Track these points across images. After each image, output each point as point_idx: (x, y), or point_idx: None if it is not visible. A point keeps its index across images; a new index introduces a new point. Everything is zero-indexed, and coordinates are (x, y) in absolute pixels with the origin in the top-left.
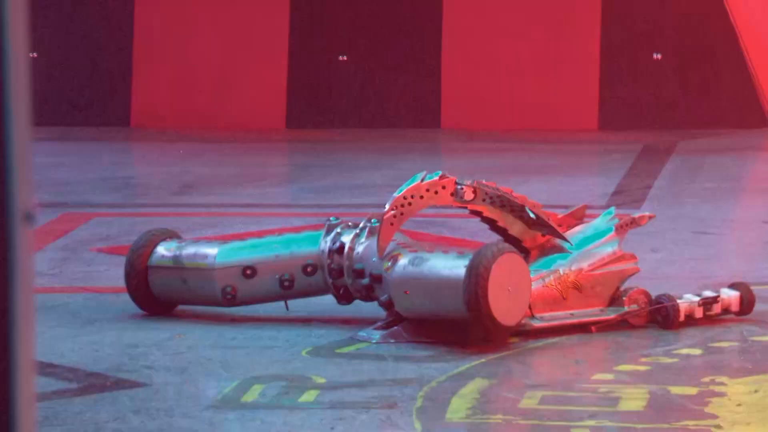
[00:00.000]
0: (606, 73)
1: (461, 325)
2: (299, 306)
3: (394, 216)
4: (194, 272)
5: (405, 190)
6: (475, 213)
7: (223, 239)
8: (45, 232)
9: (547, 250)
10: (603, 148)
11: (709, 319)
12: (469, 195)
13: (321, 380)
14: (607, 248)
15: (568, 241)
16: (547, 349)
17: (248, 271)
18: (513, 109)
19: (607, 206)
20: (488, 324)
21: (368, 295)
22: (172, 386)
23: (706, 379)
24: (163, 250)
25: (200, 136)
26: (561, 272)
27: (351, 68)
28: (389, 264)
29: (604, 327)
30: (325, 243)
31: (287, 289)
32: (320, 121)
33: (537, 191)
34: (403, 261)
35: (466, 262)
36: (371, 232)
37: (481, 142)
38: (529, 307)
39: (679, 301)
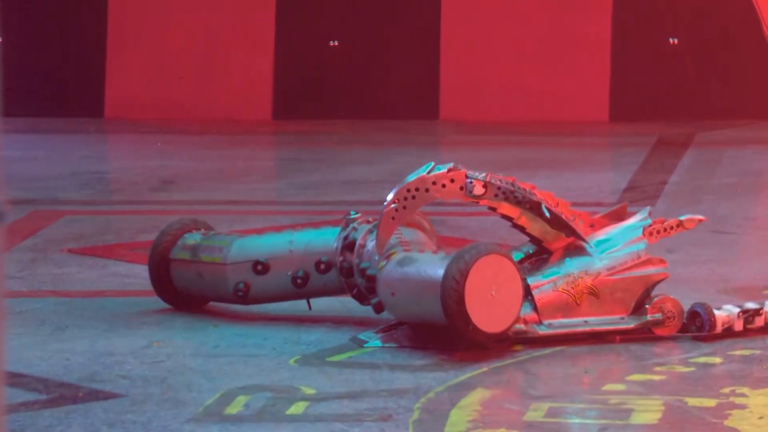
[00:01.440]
0: (617, 59)
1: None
2: (288, 308)
3: (396, 210)
4: (209, 267)
5: (409, 182)
6: (491, 209)
7: (244, 233)
8: (13, 231)
9: (571, 252)
10: (614, 140)
11: (750, 333)
12: (479, 190)
13: (310, 391)
14: (631, 251)
15: (587, 242)
16: (554, 357)
17: (259, 267)
18: (517, 99)
19: (619, 202)
20: (466, 331)
21: (367, 294)
22: (150, 397)
23: (726, 390)
24: (184, 242)
25: (180, 128)
26: (575, 276)
27: (342, 55)
28: (384, 264)
29: (628, 338)
30: (339, 239)
31: (300, 287)
32: (309, 111)
33: (543, 187)
34: (393, 261)
35: (443, 266)
36: None
37: (482, 135)
38: (537, 313)
39: (716, 311)
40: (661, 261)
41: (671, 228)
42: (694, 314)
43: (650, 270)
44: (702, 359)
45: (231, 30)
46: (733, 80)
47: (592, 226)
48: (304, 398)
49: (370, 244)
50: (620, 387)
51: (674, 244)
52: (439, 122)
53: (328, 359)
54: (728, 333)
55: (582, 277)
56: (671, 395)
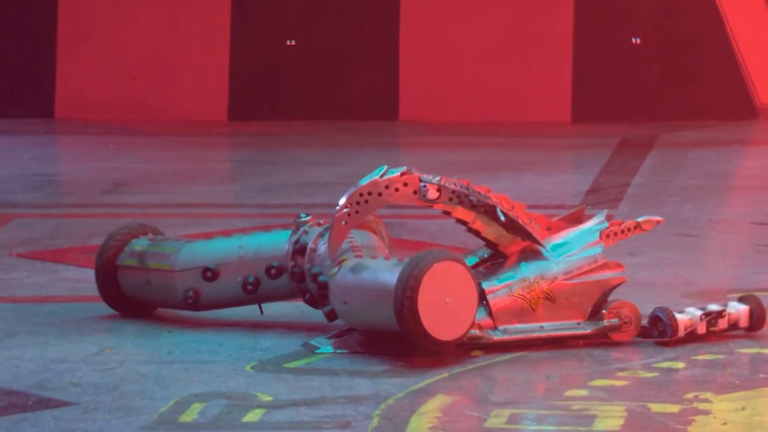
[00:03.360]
0: (579, 59)
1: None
2: (244, 313)
3: (348, 214)
4: (157, 274)
5: (361, 186)
6: (446, 213)
7: (193, 237)
8: None
9: (527, 256)
10: (577, 141)
11: (713, 336)
12: (432, 194)
13: (267, 398)
14: (588, 255)
15: (543, 246)
16: (515, 363)
17: (209, 274)
18: (478, 100)
19: (582, 204)
20: (421, 339)
21: (320, 300)
22: (102, 405)
23: (690, 396)
24: (132, 248)
25: (133, 129)
26: (531, 280)
27: (300, 54)
28: (335, 270)
29: (591, 343)
30: (290, 243)
31: (251, 292)
32: (266, 112)
33: (504, 190)
34: (344, 268)
35: (395, 273)
36: None
37: (443, 136)
38: (492, 318)
39: (678, 315)
40: (618, 265)
41: (629, 230)
42: (655, 319)
43: (607, 274)
44: (665, 364)
45: (186, 28)
46: (697, 81)
47: (548, 229)
48: (261, 405)
49: (322, 248)
50: (583, 393)
51: (637, 247)
52: (398, 123)
53: (285, 365)
54: (691, 337)
55: (538, 282)
56: (634, 401)
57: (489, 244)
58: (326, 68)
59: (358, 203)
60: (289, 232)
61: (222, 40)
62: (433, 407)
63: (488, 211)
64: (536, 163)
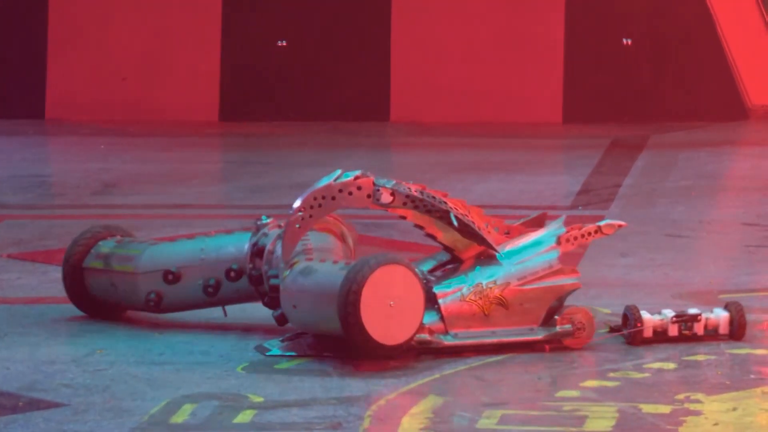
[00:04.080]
0: (570, 60)
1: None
2: (236, 313)
3: (302, 218)
4: (121, 276)
5: (315, 190)
6: (401, 218)
7: (157, 240)
8: None
9: (481, 261)
10: (568, 142)
11: (690, 339)
12: (386, 198)
13: (258, 399)
14: (543, 261)
15: (497, 251)
16: (507, 363)
17: (170, 276)
18: (469, 101)
19: (574, 207)
20: (365, 344)
21: (274, 303)
22: (93, 406)
23: (681, 396)
24: (98, 250)
25: (123, 130)
26: (484, 286)
27: (291, 55)
28: (287, 273)
29: (538, 347)
30: (249, 245)
31: (212, 295)
32: (257, 113)
33: (496, 191)
34: (294, 272)
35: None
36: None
37: (433, 137)
38: (443, 323)
39: (647, 315)
40: (574, 271)
41: (589, 234)
42: (625, 317)
43: (562, 280)
44: (656, 365)
45: (176, 29)
46: (688, 81)
47: (507, 233)
48: (252, 406)
49: (279, 250)
50: (574, 393)
51: (628, 248)
52: (389, 124)
53: (276, 366)
54: (662, 338)
55: (491, 288)
56: (625, 402)
57: (445, 248)
58: (317, 69)
59: (311, 207)
60: (250, 234)
61: (213, 41)
62: (424, 408)
63: (443, 217)
64: (527, 164)
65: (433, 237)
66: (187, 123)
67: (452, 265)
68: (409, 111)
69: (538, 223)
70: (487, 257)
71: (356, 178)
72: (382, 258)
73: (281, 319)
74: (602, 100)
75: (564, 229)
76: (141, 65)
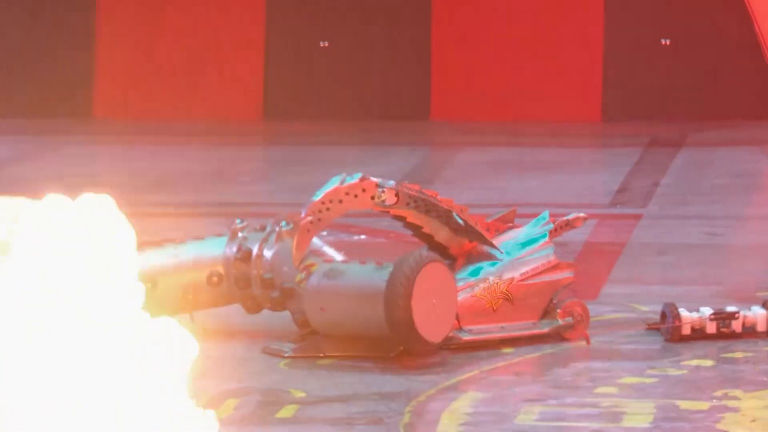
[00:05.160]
0: (610, 60)
1: (385, 340)
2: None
3: (311, 222)
4: None
5: (323, 194)
6: (398, 218)
7: None
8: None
9: (473, 258)
10: (606, 141)
11: (724, 336)
12: (391, 199)
13: (300, 394)
14: (541, 256)
15: (497, 249)
16: (546, 360)
17: (148, 284)
18: (508, 99)
19: (612, 205)
20: (413, 342)
21: (280, 306)
22: None
23: (718, 393)
24: None
25: (170, 129)
26: (491, 282)
27: (333, 55)
28: (302, 276)
29: (535, 339)
30: (230, 249)
31: (192, 301)
32: (300, 112)
33: (535, 189)
34: (317, 274)
35: (385, 274)
36: (279, 237)
37: (473, 135)
38: (457, 319)
39: (685, 313)
40: (569, 265)
41: (561, 228)
42: (663, 315)
43: (559, 275)
44: (694, 362)
45: (222, 31)
46: (725, 81)
47: (488, 230)
48: (294, 401)
49: (268, 254)
50: (612, 390)
51: (666, 245)
52: (430, 122)
53: (318, 362)
54: (699, 335)
55: (497, 283)
56: (663, 398)
57: (438, 246)
58: (359, 69)
59: (320, 211)
60: (223, 239)
61: (257, 42)
62: (464, 404)
63: (441, 216)
64: (566, 163)
65: (428, 237)
66: (232, 122)
67: (448, 261)
68: (449, 110)
69: (508, 219)
70: (480, 254)
71: (361, 180)
72: (426, 256)
73: (303, 323)
74: (641, 99)
75: (552, 225)
76: (188, 66)
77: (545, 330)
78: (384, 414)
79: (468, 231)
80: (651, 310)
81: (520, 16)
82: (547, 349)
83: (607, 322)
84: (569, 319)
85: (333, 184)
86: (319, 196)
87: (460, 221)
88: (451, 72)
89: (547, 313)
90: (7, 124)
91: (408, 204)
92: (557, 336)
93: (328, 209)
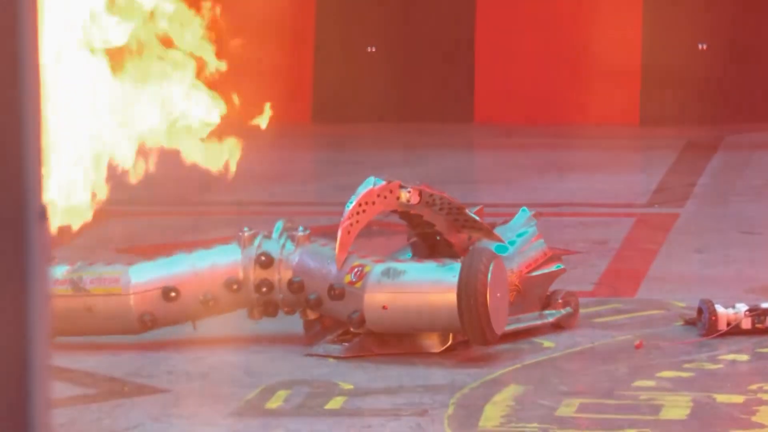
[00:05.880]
0: (647, 64)
1: (432, 336)
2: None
3: (351, 225)
4: (103, 299)
5: (359, 197)
6: (411, 217)
7: (130, 257)
8: (64, 231)
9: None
10: (644, 143)
11: (759, 332)
12: (415, 198)
13: (348, 386)
14: (538, 249)
15: (504, 243)
16: (585, 354)
17: (172, 294)
18: (549, 103)
19: (650, 205)
20: (487, 335)
21: (316, 309)
22: (193, 392)
23: (754, 387)
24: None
25: (220, 130)
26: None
27: (380, 60)
28: (353, 278)
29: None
30: (248, 256)
31: (211, 308)
32: (347, 115)
33: (575, 190)
34: (375, 274)
35: (452, 273)
36: (299, 242)
37: (515, 138)
38: None
39: (722, 309)
40: (559, 258)
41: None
42: (699, 311)
43: (555, 266)
44: (730, 356)
45: (273, 37)
46: (762, 83)
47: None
48: (342, 393)
49: (293, 258)
50: (650, 383)
51: (703, 244)
52: (473, 125)
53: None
54: (735, 331)
55: (509, 276)
56: (700, 391)
57: (445, 244)
58: (405, 73)
59: (358, 213)
60: (234, 246)
61: (307, 48)
62: (506, 396)
63: (451, 213)
64: (606, 164)
65: (439, 234)
66: (283, 124)
67: (449, 258)
68: (492, 113)
69: (478, 215)
70: (483, 249)
71: (388, 182)
72: (489, 252)
73: (360, 321)
74: (678, 103)
75: (536, 220)
76: (239, 72)
77: (552, 320)
78: (429, 405)
79: (474, 227)
80: (688, 306)
81: (560, 24)
82: (587, 344)
83: (646, 317)
84: (569, 309)
85: (366, 186)
86: (354, 200)
87: (476, 217)
88: (494, 77)
89: (548, 304)
90: None
91: (427, 203)
92: (557, 326)
93: (364, 211)
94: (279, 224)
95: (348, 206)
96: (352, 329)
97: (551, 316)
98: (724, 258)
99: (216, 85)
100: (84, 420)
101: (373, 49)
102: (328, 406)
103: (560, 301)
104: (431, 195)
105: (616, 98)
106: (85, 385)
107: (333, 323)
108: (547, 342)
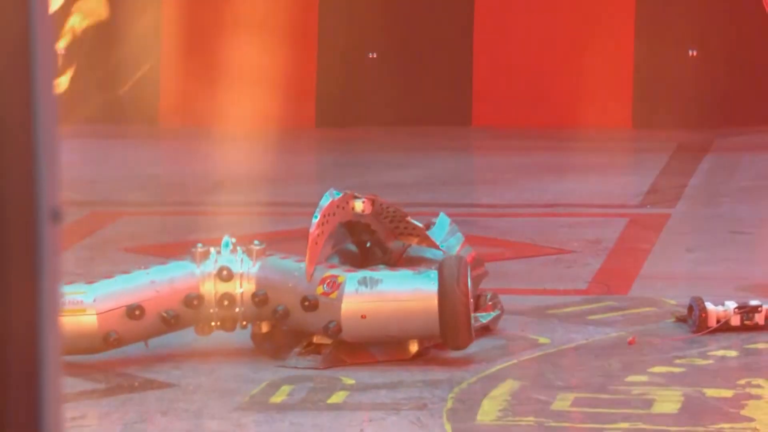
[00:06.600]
0: (640, 69)
1: (402, 343)
2: None
3: (318, 235)
4: (67, 320)
5: (323, 209)
6: (349, 226)
7: (89, 281)
8: (73, 231)
9: (415, 260)
10: (637, 146)
11: (748, 328)
12: (368, 208)
13: (350, 381)
14: (468, 254)
15: (441, 250)
16: (579, 350)
17: (137, 312)
18: (545, 107)
19: (642, 205)
20: (468, 341)
21: (281, 322)
22: (200, 387)
23: (742, 381)
24: None
25: (229, 133)
26: None
27: (380, 65)
28: (326, 288)
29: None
30: (205, 271)
31: (172, 325)
32: (350, 119)
33: (570, 191)
34: (351, 284)
35: (430, 281)
36: (257, 255)
37: (512, 140)
38: None
39: (711, 306)
40: (483, 262)
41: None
42: (690, 308)
43: (482, 269)
44: (720, 352)
45: (277, 44)
46: (750, 89)
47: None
48: (344, 388)
49: (253, 272)
50: (642, 378)
51: (694, 243)
52: (471, 128)
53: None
54: (724, 327)
55: None
56: (690, 386)
57: (384, 251)
58: (404, 78)
59: (323, 224)
60: (186, 261)
61: (310, 55)
62: (503, 391)
63: (394, 221)
64: (600, 166)
65: (376, 241)
66: (287, 128)
67: (383, 265)
68: (490, 116)
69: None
70: (417, 257)
71: (344, 194)
72: (462, 257)
73: (336, 331)
74: (669, 107)
75: (456, 225)
76: (247, 76)
77: (484, 323)
78: (428, 400)
79: (413, 235)
80: (679, 303)
81: (556, 30)
82: (581, 340)
83: (638, 315)
84: (498, 311)
85: (327, 200)
86: (319, 213)
87: (418, 224)
88: (492, 81)
89: (477, 307)
90: (77, 129)
91: (379, 213)
92: (486, 329)
93: (327, 222)
94: (226, 239)
95: (314, 219)
96: (315, 340)
97: (483, 318)
98: (714, 257)
99: (224, 91)
100: (94, 414)
101: (374, 56)
102: (330, 401)
103: (490, 303)
104: (381, 204)
105: (609, 102)
106: (96, 380)
107: (284, 337)
108: (542, 338)
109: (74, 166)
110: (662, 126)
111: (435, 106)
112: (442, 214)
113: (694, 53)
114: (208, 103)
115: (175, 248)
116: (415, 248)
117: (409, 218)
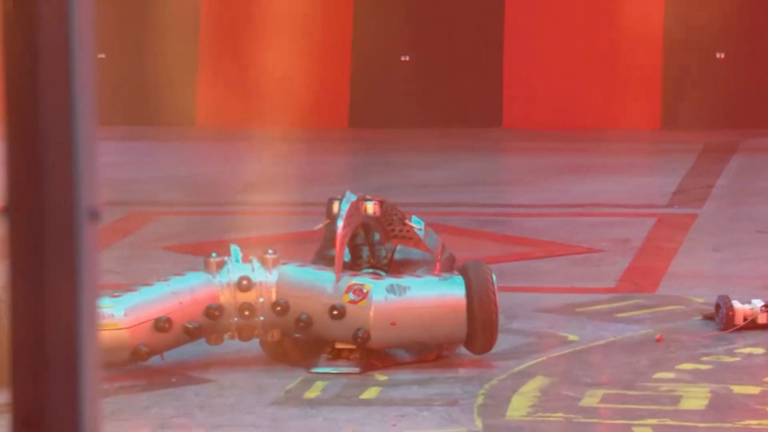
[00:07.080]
0: (668, 71)
1: (429, 346)
2: None
3: (344, 236)
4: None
5: (346, 211)
6: (364, 226)
7: (111, 292)
8: (113, 230)
9: (411, 263)
10: (665, 147)
11: None
12: (377, 210)
13: (383, 378)
14: (449, 257)
15: (431, 253)
16: (608, 347)
17: (166, 324)
18: (575, 108)
19: (670, 205)
20: (493, 338)
21: (301, 330)
22: (237, 383)
23: None
24: None
25: (265, 135)
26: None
27: (413, 68)
28: (353, 297)
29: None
30: (223, 281)
31: (194, 336)
32: (383, 120)
33: (599, 191)
34: (377, 291)
35: (457, 286)
36: (273, 263)
37: (542, 142)
38: None
39: (738, 304)
40: (454, 259)
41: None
42: (717, 306)
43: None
44: (747, 350)
45: (312, 46)
46: None
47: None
48: (377, 384)
49: (271, 280)
50: (670, 375)
51: (720, 243)
52: (502, 130)
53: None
54: (751, 325)
55: None
56: (717, 383)
57: (376, 252)
58: (437, 80)
59: (347, 225)
60: (200, 272)
61: (344, 57)
62: (532, 387)
63: (392, 223)
64: (627, 166)
65: (376, 244)
66: (321, 129)
67: (374, 269)
68: (520, 118)
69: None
70: (417, 261)
71: (357, 197)
72: (484, 262)
73: (366, 338)
74: (697, 108)
75: (431, 228)
76: (282, 79)
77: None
78: (459, 396)
79: (407, 237)
80: (706, 302)
81: (585, 32)
82: (610, 337)
83: (666, 312)
84: None
85: (348, 201)
86: (343, 216)
87: (416, 225)
88: (522, 84)
89: None
90: (117, 131)
91: (384, 213)
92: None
93: (349, 224)
94: (235, 249)
95: (339, 222)
96: (337, 345)
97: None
98: (740, 256)
99: (259, 94)
100: (134, 408)
101: (407, 58)
102: (363, 396)
103: None
104: (388, 206)
105: (638, 104)
106: (135, 377)
107: (294, 344)
108: (571, 335)
109: (112, 167)
110: (690, 127)
111: (466, 108)
112: (414, 217)
113: (722, 56)
114: (244, 105)
115: (210, 246)
116: (402, 250)
117: (407, 221)
